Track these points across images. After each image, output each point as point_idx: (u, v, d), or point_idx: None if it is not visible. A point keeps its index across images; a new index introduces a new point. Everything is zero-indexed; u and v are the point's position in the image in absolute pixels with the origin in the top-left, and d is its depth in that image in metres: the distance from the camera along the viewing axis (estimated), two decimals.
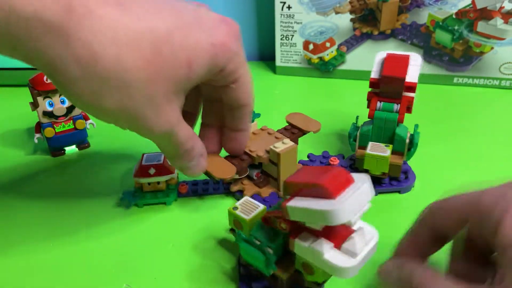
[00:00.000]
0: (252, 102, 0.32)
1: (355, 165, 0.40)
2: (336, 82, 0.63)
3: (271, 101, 0.57)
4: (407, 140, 0.38)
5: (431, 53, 0.59)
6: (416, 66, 0.38)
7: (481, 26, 0.55)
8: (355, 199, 0.22)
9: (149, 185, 0.38)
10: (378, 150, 0.37)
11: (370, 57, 0.61)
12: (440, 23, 0.57)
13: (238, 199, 0.37)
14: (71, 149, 0.47)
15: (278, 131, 0.39)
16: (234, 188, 0.39)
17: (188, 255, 0.34)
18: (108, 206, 0.39)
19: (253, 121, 0.40)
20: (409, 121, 0.39)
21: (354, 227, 0.25)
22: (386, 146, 0.38)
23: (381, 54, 0.40)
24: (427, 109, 0.52)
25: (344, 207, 0.21)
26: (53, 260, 0.33)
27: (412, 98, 0.38)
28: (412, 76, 0.38)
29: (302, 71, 0.64)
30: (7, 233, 0.36)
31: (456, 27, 0.56)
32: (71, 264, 0.33)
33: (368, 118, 0.39)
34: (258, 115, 0.41)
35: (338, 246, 0.24)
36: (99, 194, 0.40)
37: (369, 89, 0.39)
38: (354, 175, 0.24)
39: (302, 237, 0.25)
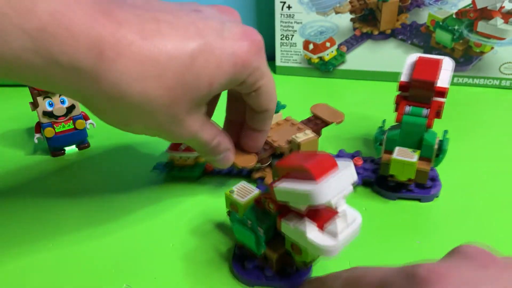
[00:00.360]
0: (273, 107, 0.33)
1: (380, 170, 0.38)
2: (336, 82, 0.63)
3: None
4: (436, 146, 0.37)
5: (431, 53, 0.59)
6: (447, 71, 0.37)
7: (481, 26, 0.55)
8: (336, 182, 0.24)
9: (179, 159, 0.41)
10: (405, 155, 0.36)
11: (370, 57, 0.61)
12: (440, 23, 0.57)
13: (258, 185, 0.39)
14: (71, 149, 0.47)
15: (302, 121, 0.39)
16: (256, 175, 0.40)
17: (187, 243, 0.34)
18: (109, 206, 0.39)
19: (277, 111, 0.40)
20: (436, 126, 0.38)
21: (338, 210, 0.26)
22: (413, 151, 0.36)
23: (412, 57, 0.38)
24: None
25: (324, 189, 0.23)
26: (53, 260, 0.33)
27: (443, 103, 0.37)
28: (443, 80, 0.36)
29: (302, 71, 0.64)
30: (7, 233, 0.36)
31: (456, 27, 0.56)
32: (71, 264, 0.33)
33: (396, 122, 0.37)
34: (284, 106, 0.41)
35: (321, 227, 0.25)
36: (99, 194, 0.41)
37: (398, 92, 0.38)
38: (339, 162, 0.25)
39: (289, 217, 0.26)
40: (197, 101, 0.28)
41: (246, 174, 0.42)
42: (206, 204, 0.39)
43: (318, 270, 0.32)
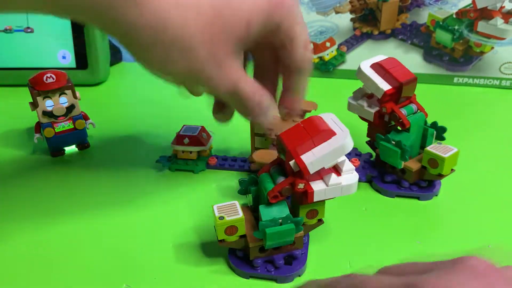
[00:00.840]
0: (308, 65, 0.32)
1: (404, 175, 0.39)
2: (336, 82, 0.62)
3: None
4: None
5: (431, 53, 0.59)
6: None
7: (481, 26, 0.55)
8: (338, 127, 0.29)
9: (182, 153, 0.42)
10: (441, 150, 0.37)
11: (370, 57, 0.61)
12: (440, 23, 0.57)
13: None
14: (71, 149, 0.47)
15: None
16: (254, 167, 0.42)
17: (187, 242, 0.34)
18: (109, 206, 0.39)
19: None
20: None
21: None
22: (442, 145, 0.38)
23: (366, 67, 0.38)
24: (427, 109, 0.52)
25: (349, 137, 0.28)
26: (53, 260, 0.33)
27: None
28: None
29: None
30: (6, 233, 0.36)
31: (456, 27, 0.56)
32: (71, 264, 0.33)
33: (406, 127, 0.37)
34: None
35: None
36: (99, 194, 0.41)
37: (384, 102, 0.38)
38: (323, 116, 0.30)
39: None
40: (236, 42, 0.28)
41: (247, 169, 0.43)
42: (209, 200, 0.39)
43: (317, 268, 0.32)
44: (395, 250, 0.33)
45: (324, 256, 0.33)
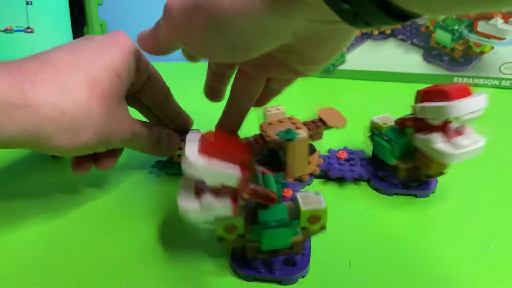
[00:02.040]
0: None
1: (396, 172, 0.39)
2: (336, 82, 0.62)
3: (271, 101, 0.57)
4: None
5: (431, 53, 0.59)
6: None
7: (481, 26, 0.55)
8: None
9: (178, 157, 0.42)
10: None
11: (370, 57, 0.61)
12: (440, 23, 0.57)
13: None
14: None
15: (304, 122, 0.40)
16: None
17: (187, 242, 0.34)
18: (109, 206, 0.39)
19: None
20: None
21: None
22: None
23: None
24: None
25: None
26: (53, 260, 0.33)
27: None
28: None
29: None
30: (6, 233, 0.36)
31: (456, 27, 0.56)
32: (71, 264, 0.33)
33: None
34: None
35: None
36: (99, 194, 0.41)
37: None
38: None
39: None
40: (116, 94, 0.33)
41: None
42: None
43: (320, 267, 0.32)
44: (395, 248, 0.33)
45: (324, 256, 0.33)
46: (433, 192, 0.39)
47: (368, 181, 0.41)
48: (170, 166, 0.43)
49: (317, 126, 0.39)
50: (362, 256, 0.33)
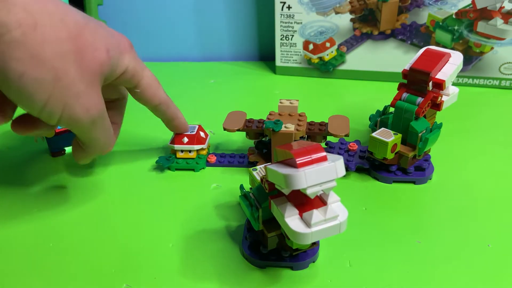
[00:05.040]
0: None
1: (368, 148, 0.41)
2: (336, 82, 0.63)
3: (271, 101, 0.57)
4: (420, 134, 0.38)
5: None
6: (453, 65, 0.38)
7: (481, 26, 0.56)
8: (315, 172, 0.24)
9: (182, 153, 0.43)
10: (383, 135, 0.38)
11: (370, 57, 0.61)
12: (440, 23, 0.57)
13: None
14: (71, 149, 0.47)
15: (309, 122, 0.42)
16: (252, 158, 0.43)
17: (187, 241, 0.34)
18: (109, 206, 0.39)
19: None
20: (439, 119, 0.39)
21: (328, 203, 0.27)
22: (394, 133, 0.38)
23: (424, 49, 0.40)
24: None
25: (299, 175, 0.24)
26: (53, 260, 0.33)
27: (438, 94, 0.38)
28: (444, 73, 0.37)
29: (302, 71, 0.64)
30: (6, 233, 0.36)
31: (456, 27, 0.56)
32: (71, 264, 0.33)
33: (390, 106, 0.40)
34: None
35: (300, 214, 0.27)
36: (99, 194, 0.41)
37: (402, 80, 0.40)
38: (329, 155, 0.26)
39: (278, 199, 0.28)
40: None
41: (247, 165, 0.44)
42: (213, 197, 0.39)
43: (320, 267, 0.32)
44: (395, 249, 0.33)
45: (324, 256, 0.33)
46: (430, 179, 0.40)
47: (369, 171, 0.42)
48: (174, 161, 0.43)
49: (320, 129, 0.41)
50: (362, 256, 0.33)
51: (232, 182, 0.41)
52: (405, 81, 0.39)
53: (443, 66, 0.38)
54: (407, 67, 0.39)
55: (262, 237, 0.32)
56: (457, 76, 0.59)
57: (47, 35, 0.27)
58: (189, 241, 0.35)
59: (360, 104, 0.55)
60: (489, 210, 0.37)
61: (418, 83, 0.38)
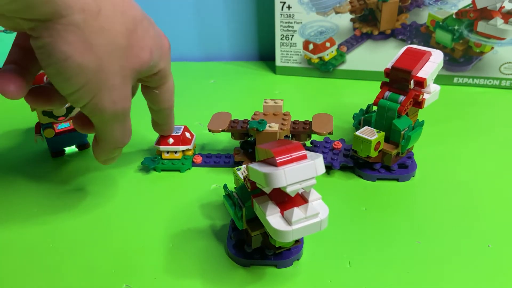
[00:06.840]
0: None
1: (353, 146, 0.41)
2: (336, 82, 0.63)
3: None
4: (402, 132, 0.39)
5: None
6: (433, 63, 0.38)
7: (481, 26, 0.55)
8: (295, 170, 0.24)
9: (167, 154, 0.43)
10: (367, 134, 0.38)
11: (370, 57, 0.61)
12: (440, 23, 0.57)
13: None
14: (71, 149, 0.47)
15: (294, 120, 0.42)
16: (237, 158, 0.43)
17: (186, 241, 0.34)
18: (108, 206, 0.39)
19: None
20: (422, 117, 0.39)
21: (309, 201, 0.27)
22: (378, 132, 0.38)
23: (405, 47, 0.40)
24: (427, 109, 0.52)
25: (279, 174, 0.24)
26: (53, 260, 0.34)
27: (420, 92, 0.38)
28: (425, 71, 0.38)
29: (302, 71, 0.64)
30: (6, 233, 0.36)
31: (456, 27, 0.56)
32: (71, 264, 0.33)
33: (373, 105, 0.40)
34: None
35: (282, 212, 0.27)
36: (99, 194, 0.41)
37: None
38: (309, 153, 0.26)
39: (260, 198, 0.28)
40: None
41: (232, 165, 0.44)
42: (201, 196, 0.39)
43: (320, 267, 0.32)
44: (395, 249, 0.33)
45: (324, 256, 0.33)
46: (413, 176, 0.41)
47: (353, 169, 0.42)
48: (160, 162, 0.43)
49: (304, 128, 0.41)
50: (362, 256, 0.33)
51: (218, 182, 0.41)
52: (387, 79, 0.40)
53: (424, 64, 0.38)
54: (389, 65, 0.39)
55: (246, 236, 0.32)
56: (457, 76, 0.59)
57: (106, 26, 0.27)
58: (174, 240, 0.35)
59: (360, 104, 0.55)
60: (489, 210, 0.37)
61: (400, 81, 0.38)
